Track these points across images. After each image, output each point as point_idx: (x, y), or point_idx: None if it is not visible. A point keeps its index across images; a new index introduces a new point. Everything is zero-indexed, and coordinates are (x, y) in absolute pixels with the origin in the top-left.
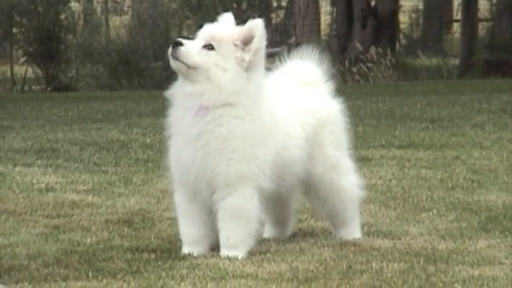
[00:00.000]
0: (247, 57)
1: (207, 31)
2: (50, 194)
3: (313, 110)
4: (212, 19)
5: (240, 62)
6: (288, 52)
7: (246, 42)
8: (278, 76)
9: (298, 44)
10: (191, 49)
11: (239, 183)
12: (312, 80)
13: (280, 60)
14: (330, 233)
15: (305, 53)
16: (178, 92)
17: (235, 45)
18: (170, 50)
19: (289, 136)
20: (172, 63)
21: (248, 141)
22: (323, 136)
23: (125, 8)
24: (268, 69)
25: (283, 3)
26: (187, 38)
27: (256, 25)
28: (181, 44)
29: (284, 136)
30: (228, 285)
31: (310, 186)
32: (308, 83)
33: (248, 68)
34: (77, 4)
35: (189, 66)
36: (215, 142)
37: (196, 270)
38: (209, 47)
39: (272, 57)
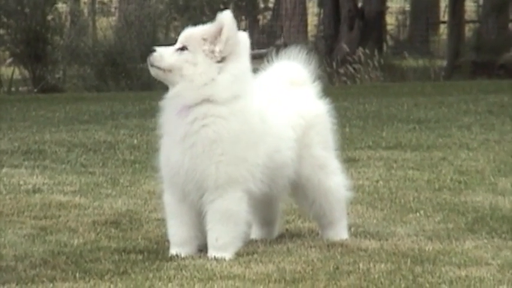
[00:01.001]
0: (217, 48)
1: (182, 34)
2: (37, 195)
3: (301, 110)
4: (199, 20)
5: (209, 54)
6: (276, 53)
7: (217, 35)
8: (265, 77)
9: (285, 45)
10: (163, 53)
11: (229, 185)
12: (299, 81)
13: (267, 61)
14: (317, 233)
15: (292, 53)
16: (165, 97)
17: (204, 39)
18: (148, 59)
19: (280, 138)
20: (151, 70)
21: (237, 144)
22: (311, 136)
23: (112, 9)
24: (256, 70)
25: (270, 5)
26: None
27: (224, 16)
28: (154, 51)
29: (276, 139)
30: (216, 286)
31: (297, 187)
32: (295, 83)
33: (221, 59)
34: (63, 5)
35: (164, 70)
36: (202, 144)
37: (183, 271)
38: (183, 48)
39: (260, 58)
